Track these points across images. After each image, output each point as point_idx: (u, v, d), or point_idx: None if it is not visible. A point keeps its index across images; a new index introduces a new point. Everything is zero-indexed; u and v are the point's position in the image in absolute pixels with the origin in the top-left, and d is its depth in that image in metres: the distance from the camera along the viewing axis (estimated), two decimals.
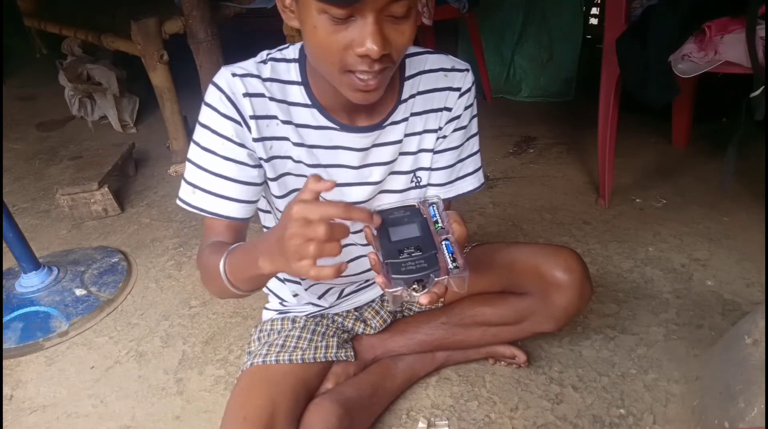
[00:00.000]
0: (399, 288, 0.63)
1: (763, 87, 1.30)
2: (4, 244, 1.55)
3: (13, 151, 2.68)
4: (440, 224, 0.68)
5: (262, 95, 0.82)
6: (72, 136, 2.83)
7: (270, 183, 0.88)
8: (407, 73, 0.89)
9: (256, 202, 0.87)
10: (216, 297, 0.88)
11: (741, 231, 1.67)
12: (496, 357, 1.22)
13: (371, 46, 0.66)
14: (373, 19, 0.65)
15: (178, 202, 0.85)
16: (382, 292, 1.16)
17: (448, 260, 0.65)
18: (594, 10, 3.29)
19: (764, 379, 0.91)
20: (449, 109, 0.93)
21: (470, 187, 1.01)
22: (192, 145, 0.83)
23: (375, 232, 0.67)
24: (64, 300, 1.53)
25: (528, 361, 1.20)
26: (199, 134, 0.82)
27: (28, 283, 1.57)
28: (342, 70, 0.71)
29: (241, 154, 0.82)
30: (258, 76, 0.82)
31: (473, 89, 0.94)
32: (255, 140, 0.83)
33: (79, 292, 1.56)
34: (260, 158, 0.85)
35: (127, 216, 2.02)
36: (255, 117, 0.82)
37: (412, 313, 1.20)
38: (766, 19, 1.28)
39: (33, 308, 1.50)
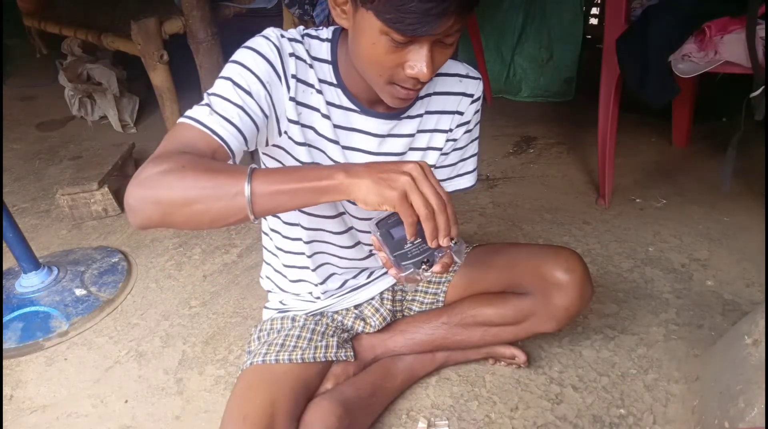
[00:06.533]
0: (409, 271, 0.74)
1: (763, 87, 1.30)
2: (4, 244, 1.55)
3: (13, 151, 2.68)
4: None
5: (305, 61, 0.85)
6: (72, 136, 2.83)
7: (297, 147, 0.89)
8: None
9: (246, 147, 0.80)
10: (156, 213, 0.68)
11: (741, 231, 1.67)
12: (496, 357, 1.22)
13: (423, 71, 0.73)
14: (429, 46, 0.72)
15: (181, 119, 0.77)
16: (381, 290, 1.16)
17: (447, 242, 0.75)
18: (594, 10, 3.29)
19: (764, 379, 0.91)
20: (461, 113, 0.98)
21: (467, 184, 1.07)
22: (218, 80, 0.79)
23: (380, 238, 0.76)
24: (64, 300, 1.53)
25: (528, 361, 1.20)
26: (226, 69, 0.80)
27: (28, 283, 1.57)
28: (387, 82, 0.78)
29: (260, 95, 0.80)
30: (302, 44, 0.85)
31: (482, 97, 1.01)
32: (291, 99, 0.85)
33: (79, 292, 1.56)
34: (291, 120, 0.86)
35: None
36: (296, 78, 0.84)
37: (412, 313, 1.20)
38: (766, 19, 1.28)
39: (33, 308, 1.50)
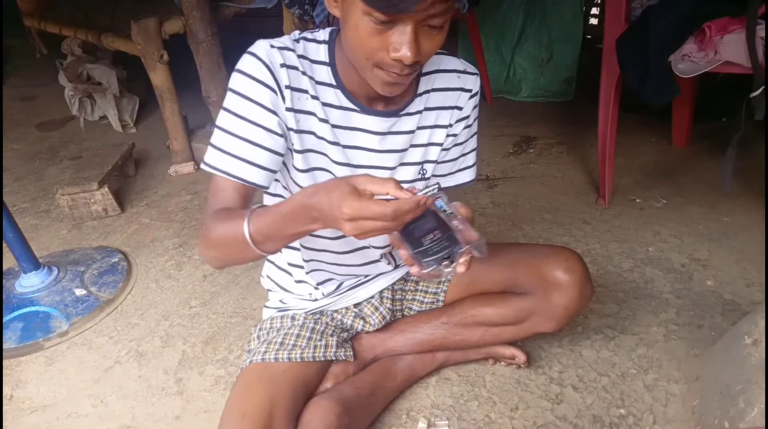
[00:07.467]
0: (431, 268, 0.73)
1: (763, 87, 1.30)
2: (4, 244, 1.55)
3: (13, 151, 2.68)
4: (449, 211, 0.77)
5: (296, 68, 0.86)
6: (72, 136, 2.83)
7: (295, 155, 0.90)
8: (424, 70, 0.94)
9: (276, 171, 0.88)
10: (217, 264, 0.87)
11: (741, 231, 1.67)
12: (496, 357, 1.22)
13: (406, 53, 0.73)
14: (412, 28, 0.71)
15: (203, 166, 0.86)
16: (381, 288, 1.16)
17: (468, 235, 0.74)
18: (594, 10, 3.30)
19: (764, 379, 0.91)
20: (460, 108, 0.99)
21: (467, 179, 1.09)
22: (222, 111, 0.85)
23: (399, 236, 0.76)
24: (64, 300, 1.53)
25: (528, 361, 1.20)
26: (230, 100, 0.84)
27: (28, 283, 1.57)
28: (374, 66, 0.78)
29: (271, 122, 0.84)
30: (293, 51, 0.86)
31: (479, 92, 1.02)
32: (288, 110, 0.86)
33: (79, 292, 1.56)
34: (290, 128, 0.88)
35: (127, 216, 2.02)
36: (290, 88, 0.85)
37: (412, 313, 1.20)
38: (766, 19, 1.28)
39: (33, 308, 1.50)
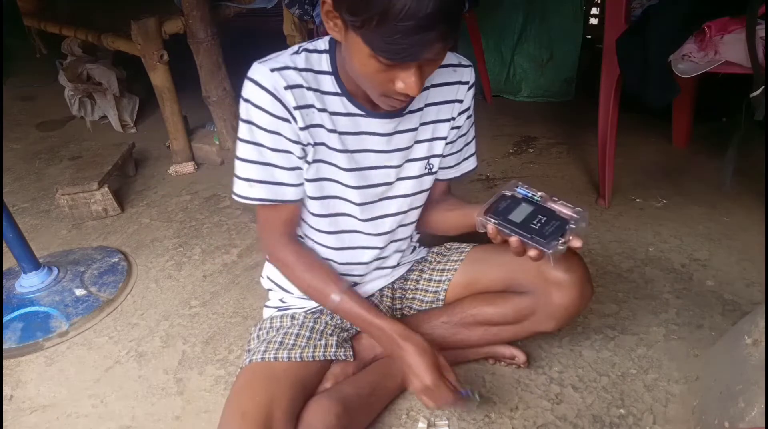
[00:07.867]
0: (552, 250, 0.74)
1: (763, 87, 1.30)
2: (4, 244, 1.55)
3: (13, 151, 2.68)
4: (536, 194, 0.79)
5: (300, 86, 0.88)
6: (72, 136, 2.83)
7: (308, 166, 0.94)
8: None
9: (298, 183, 0.95)
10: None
11: (741, 231, 1.67)
12: (496, 357, 1.22)
13: (412, 88, 0.77)
14: (417, 65, 0.75)
15: (236, 198, 0.93)
16: (380, 286, 1.17)
17: (568, 211, 0.77)
18: (594, 10, 3.29)
19: (764, 379, 0.91)
20: (461, 101, 1.01)
21: (472, 167, 1.12)
22: (241, 143, 0.89)
23: (503, 225, 0.77)
24: (64, 300, 1.53)
25: (528, 361, 1.20)
26: (246, 131, 0.88)
27: (28, 283, 1.57)
28: (380, 94, 0.83)
29: (293, 147, 0.90)
30: (294, 68, 0.87)
31: (476, 86, 1.05)
32: (301, 129, 0.89)
33: (79, 292, 1.56)
34: (307, 144, 0.91)
35: (127, 216, 2.02)
36: (298, 107, 0.88)
37: (412, 312, 1.20)
38: (766, 19, 1.28)
39: (33, 308, 1.50)
